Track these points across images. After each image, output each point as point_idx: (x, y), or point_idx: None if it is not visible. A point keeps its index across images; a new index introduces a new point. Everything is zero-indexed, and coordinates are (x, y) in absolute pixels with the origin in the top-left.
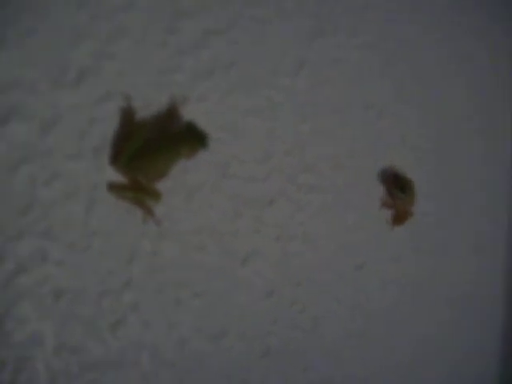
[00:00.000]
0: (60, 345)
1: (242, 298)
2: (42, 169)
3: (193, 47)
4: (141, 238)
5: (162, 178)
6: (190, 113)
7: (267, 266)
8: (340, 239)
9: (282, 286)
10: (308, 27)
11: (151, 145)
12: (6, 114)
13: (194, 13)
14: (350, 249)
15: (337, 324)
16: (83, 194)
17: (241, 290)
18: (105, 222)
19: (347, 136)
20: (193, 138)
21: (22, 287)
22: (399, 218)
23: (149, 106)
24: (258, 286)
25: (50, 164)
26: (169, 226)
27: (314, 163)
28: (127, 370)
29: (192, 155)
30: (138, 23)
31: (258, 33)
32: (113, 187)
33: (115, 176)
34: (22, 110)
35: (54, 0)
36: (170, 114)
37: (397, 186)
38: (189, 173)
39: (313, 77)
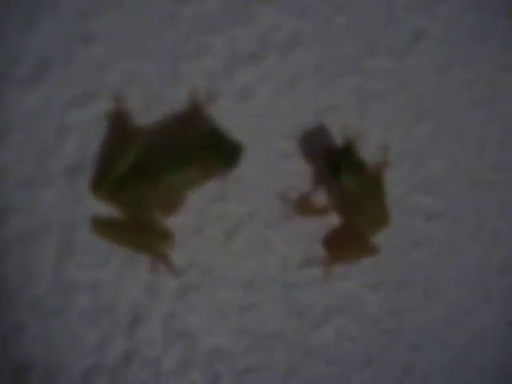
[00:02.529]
0: None
1: (326, 369)
2: None
3: (229, 20)
4: (146, 295)
5: (174, 209)
6: (221, 116)
7: (359, 323)
8: (482, 287)
9: (387, 349)
10: None
11: (154, 162)
12: None
13: None
14: (495, 299)
15: None
16: (53, 235)
17: (322, 360)
18: (89, 276)
19: (491, 141)
20: (215, 151)
21: None
22: (338, 242)
23: (152, 107)
24: (348, 352)
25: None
26: (196, 278)
27: (437, 179)
28: None
29: (216, 175)
30: None
31: None
32: (99, 226)
33: (102, 209)
34: None
35: None
36: (187, 118)
37: (330, 162)
38: (228, 201)
39: (435, 55)
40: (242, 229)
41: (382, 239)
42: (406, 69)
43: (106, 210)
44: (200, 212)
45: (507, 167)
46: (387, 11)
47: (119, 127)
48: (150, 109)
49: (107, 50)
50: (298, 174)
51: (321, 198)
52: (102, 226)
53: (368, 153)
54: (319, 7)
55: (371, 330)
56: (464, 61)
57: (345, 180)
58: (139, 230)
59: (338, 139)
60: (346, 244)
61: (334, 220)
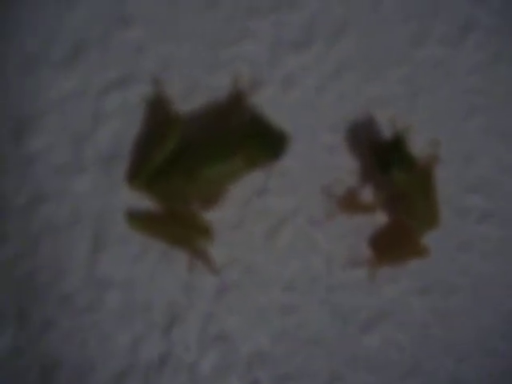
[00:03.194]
0: None
1: (370, 378)
2: None
3: (273, 5)
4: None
5: (214, 202)
6: (264, 105)
7: (406, 330)
8: None
9: (434, 359)
10: None
11: (193, 152)
12: None
13: None
14: None
15: None
16: (86, 227)
17: (366, 368)
18: (123, 272)
19: None
20: (259, 140)
21: None
22: (386, 242)
23: (192, 93)
24: (394, 360)
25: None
26: (236, 276)
27: (489, 179)
28: None
29: (260, 167)
30: None
31: None
32: (134, 218)
33: (138, 200)
34: None
35: None
36: (229, 106)
37: (379, 156)
38: (271, 195)
39: (487, 47)
40: (285, 225)
41: (430, 241)
42: (457, 60)
43: (142, 201)
44: (241, 206)
45: None
46: None
47: (158, 114)
48: (190, 96)
49: (146, 33)
50: (345, 168)
51: (368, 194)
52: (138, 219)
53: (417, 148)
54: None
55: (418, 337)
56: None
57: (395, 175)
58: (177, 224)
59: (387, 132)
60: (394, 244)
61: (381, 218)
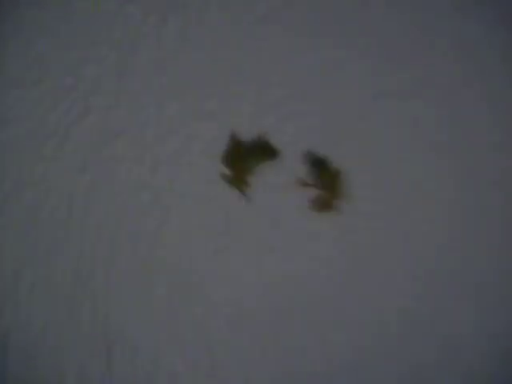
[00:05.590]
0: None
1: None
2: None
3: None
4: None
5: (248, 175)
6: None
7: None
8: None
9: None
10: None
11: (242, 155)
12: None
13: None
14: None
15: None
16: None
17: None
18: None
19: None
20: (265, 151)
21: None
22: (319, 203)
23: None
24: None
25: None
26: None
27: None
28: None
29: (267, 163)
30: None
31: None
32: (223, 176)
33: (224, 170)
34: None
35: None
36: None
37: (309, 160)
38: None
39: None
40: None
41: None
42: (415, 114)
43: (225, 170)
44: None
45: None
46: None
47: (231, 142)
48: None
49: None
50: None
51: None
52: (224, 176)
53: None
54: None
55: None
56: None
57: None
58: (236, 179)
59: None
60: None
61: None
